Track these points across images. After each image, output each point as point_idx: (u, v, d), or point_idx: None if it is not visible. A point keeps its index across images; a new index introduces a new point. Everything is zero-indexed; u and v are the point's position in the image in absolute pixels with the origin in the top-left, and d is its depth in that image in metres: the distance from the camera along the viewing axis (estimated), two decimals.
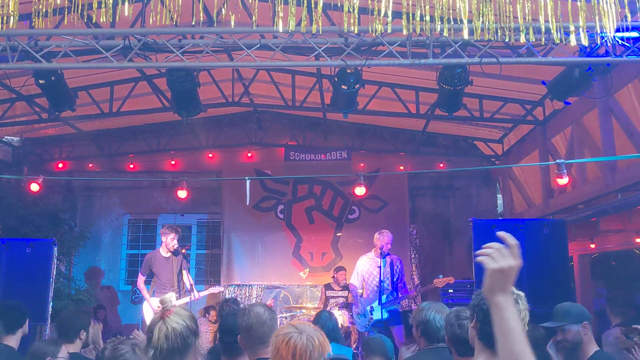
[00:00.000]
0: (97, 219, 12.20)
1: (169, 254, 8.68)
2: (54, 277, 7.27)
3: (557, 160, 6.59)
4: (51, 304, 7.20)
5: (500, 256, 1.87)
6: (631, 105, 6.86)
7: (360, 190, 8.12)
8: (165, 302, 2.47)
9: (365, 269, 8.54)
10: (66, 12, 5.36)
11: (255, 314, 3.26)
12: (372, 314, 8.25)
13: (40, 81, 6.34)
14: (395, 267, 8.45)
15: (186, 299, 8.59)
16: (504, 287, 1.84)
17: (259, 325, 3.18)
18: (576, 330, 3.72)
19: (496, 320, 1.83)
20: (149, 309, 8.59)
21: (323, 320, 5.21)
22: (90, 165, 12.18)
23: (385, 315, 8.16)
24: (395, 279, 8.41)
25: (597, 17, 4.70)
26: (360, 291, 8.63)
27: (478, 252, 1.91)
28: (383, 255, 8.28)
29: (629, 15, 4.91)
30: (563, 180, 6.82)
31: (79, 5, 4.95)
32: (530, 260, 6.55)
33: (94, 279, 11.68)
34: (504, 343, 1.80)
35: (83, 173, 11.95)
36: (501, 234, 1.92)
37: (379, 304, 8.12)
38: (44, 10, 4.93)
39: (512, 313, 1.83)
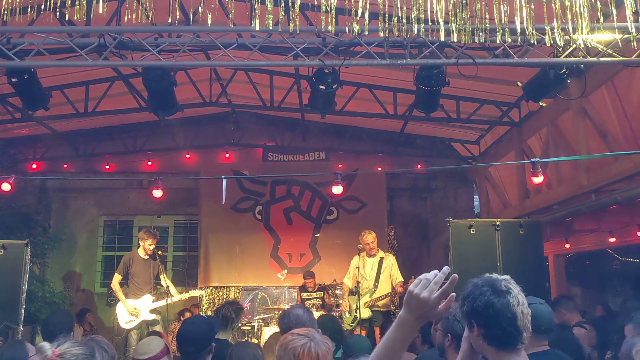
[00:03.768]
0: (72, 221, 12.03)
1: (147, 256, 8.61)
2: (26, 279, 7.13)
3: (532, 159, 6.65)
4: (24, 307, 7.07)
5: (425, 286, 1.93)
6: (605, 107, 6.97)
7: (337, 189, 8.13)
8: (44, 349, 2.19)
9: (354, 268, 8.63)
10: (37, 10, 5.26)
11: (294, 315, 3.41)
12: (356, 312, 8.32)
13: (13, 79, 6.21)
14: (384, 265, 8.54)
15: (162, 302, 8.51)
16: (423, 314, 1.94)
17: (299, 327, 3.19)
18: None
19: (396, 333, 1.95)
20: (123, 311, 8.49)
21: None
22: (65, 165, 11.99)
23: (370, 314, 8.27)
24: (381, 277, 8.47)
25: (570, 20, 4.77)
26: (355, 290, 8.68)
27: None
28: (370, 255, 8.45)
29: (601, 17, 4.99)
30: (538, 179, 6.90)
31: (52, 2, 4.88)
32: (505, 260, 6.61)
33: (69, 281, 11.50)
34: (390, 353, 1.94)
35: (58, 174, 11.76)
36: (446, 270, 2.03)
37: (357, 303, 8.22)
38: (16, 6, 4.85)
39: (410, 335, 1.97)
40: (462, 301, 2.34)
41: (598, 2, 4.79)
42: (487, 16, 4.89)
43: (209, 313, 11.21)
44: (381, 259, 8.60)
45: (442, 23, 4.74)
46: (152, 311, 8.50)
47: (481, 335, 2.25)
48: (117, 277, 8.65)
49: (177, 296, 8.59)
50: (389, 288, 8.44)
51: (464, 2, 4.80)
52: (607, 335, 4.94)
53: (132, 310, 8.41)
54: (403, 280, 8.48)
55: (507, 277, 2.33)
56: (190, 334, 3.71)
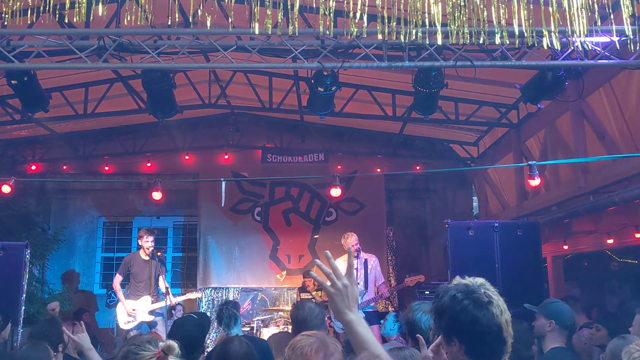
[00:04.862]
0: (72, 222, 12.03)
1: (148, 257, 8.62)
2: (26, 280, 7.15)
3: (530, 162, 6.68)
4: (23, 308, 7.08)
5: (338, 277, 2.00)
6: (602, 109, 6.99)
7: (336, 192, 8.16)
8: (173, 348, 2.36)
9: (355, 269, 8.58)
10: (38, 12, 5.27)
11: (308, 307, 3.75)
12: None
13: (13, 82, 6.24)
14: (370, 266, 8.47)
15: (162, 303, 8.52)
16: (348, 305, 2.00)
17: (312, 318, 3.62)
18: (542, 323, 4.00)
19: (352, 336, 2.01)
20: (123, 311, 8.50)
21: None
22: (65, 167, 12.01)
23: (362, 315, 8.21)
24: (369, 279, 8.44)
25: (568, 22, 4.79)
26: None
27: (315, 276, 2.11)
28: (356, 257, 8.36)
29: (599, 20, 5.01)
30: (535, 182, 6.92)
31: (52, 4, 4.89)
32: (504, 261, 6.63)
33: (69, 282, 11.51)
34: (364, 350, 1.98)
35: (57, 175, 11.78)
36: (328, 254, 2.10)
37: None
38: (16, 8, 4.86)
39: (363, 326, 2.01)
40: (438, 315, 2.14)
41: (595, 5, 4.81)
42: (485, 18, 4.91)
43: (208, 314, 11.24)
44: (365, 260, 8.53)
45: (439, 26, 4.75)
46: (151, 312, 8.51)
47: (463, 351, 2.07)
48: (118, 278, 8.67)
49: (174, 299, 8.61)
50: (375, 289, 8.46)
51: (462, 4, 4.82)
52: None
53: (131, 311, 8.43)
54: (384, 280, 8.49)
55: (482, 280, 2.15)
56: (181, 335, 3.67)
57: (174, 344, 2.36)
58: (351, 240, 8.38)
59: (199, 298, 10.69)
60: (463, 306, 2.04)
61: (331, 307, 2.02)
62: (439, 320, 2.14)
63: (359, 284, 8.31)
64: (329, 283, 2.01)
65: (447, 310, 2.09)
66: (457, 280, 2.17)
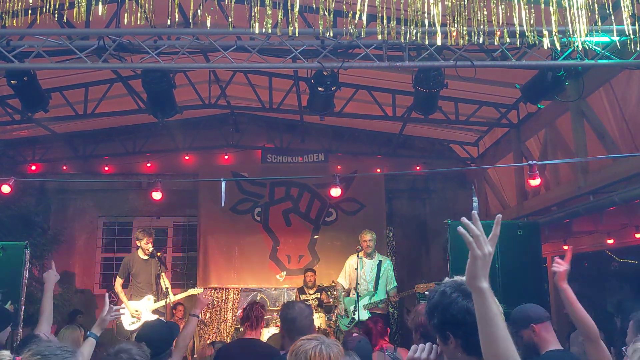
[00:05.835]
0: (71, 222, 12.03)
1: (147, 257, 8.62)
2: (26, 281, 7.14)
3: (530, 162, 6.68)
4: (23, 308, 7.07)
5: (484, 242, 1.92)
6: (602, 109, 6.99)
7: (335, 192, 8.17)
8: (2, 356, 2.28)
9: (352, 268, 8.61)
10: (39, 12, 5.27)
11: (298, 307, 3.83)
12: (354, 314, 8.31)
13: (13, 82, 6.23)
14: (383, 269, 8.57)
15: (162, 303, 8.52)
16: (485, 273, 1.88)
17: (302, 318, 3.70)
18: (527, 335, 3.78)
19: (481, 307, 1.85)
20: (126, 313, 8.50)
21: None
22: (64, 167, 12.01)
23: (368, 315, 8.26)
24: (380, 281, 8.50)
25: (568, 22, 4.79)
26: (349, 290, 8.71)
27: (464, 232, 1.97)
28: (367, 256, 8.46)
29: (599, 20, 5.01)
30: (535, 181, 6.91)
31: (52, 4, 4.89)
32: (504, 261, 6.62)
33: (68, 283, 11.50)
34: (489, 329, 1.82)
35: (57, 175, 11.78)
36: (467, 221, 2.00)
37: (355, 304, 8.24)
38: (16, 9, 4.86)
39: (494, 298, 1.86)
40: (431, 313, 2.14)
41: (595, 5, 4.81)
42: (485, 18, 4.91)
43: (207, 314, 11.26)
44: (380, 262, 8.63)
45: (439, 26, 4.75)
46: (154, 312, 8.51)
47: (459, 345, 2.06)
48: (119, 280, 8.67)
49: (175, 297, 8.61)
50: (385, 292, 8.49)
51: (462, 4, 4.82)
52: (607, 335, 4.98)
53: (134, 312, 8.43)
54: (397, 285, 8.53)
55: None
56: (149, 336, 3.74)
57: (2, 352, 2.31)
58: (368, 236, 8.53)
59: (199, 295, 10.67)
60: (452, 299, 2.07)
61: (470, 270, 1.90)
62: (432, 318, 2.15)
63: (359, 283, 8.35)
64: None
65: (438, 306, 2.14)
66: (446, 279, 2.25)
